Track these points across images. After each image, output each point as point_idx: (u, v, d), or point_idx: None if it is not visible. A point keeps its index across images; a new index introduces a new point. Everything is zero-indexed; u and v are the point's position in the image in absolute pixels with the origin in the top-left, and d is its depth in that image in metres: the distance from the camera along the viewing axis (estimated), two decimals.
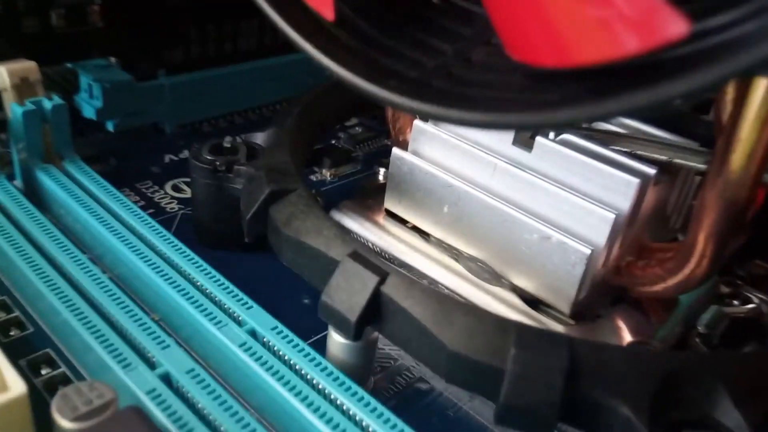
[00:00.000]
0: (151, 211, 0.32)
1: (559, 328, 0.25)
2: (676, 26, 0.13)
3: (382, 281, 0.20)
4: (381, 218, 0.31)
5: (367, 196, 0.32)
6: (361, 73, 0.20)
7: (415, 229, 0.30)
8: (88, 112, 0.35)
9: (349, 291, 0.21)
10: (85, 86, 0.35)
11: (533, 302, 0.26)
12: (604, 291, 0.27)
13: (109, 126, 0.36)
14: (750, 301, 0.29)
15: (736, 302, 0.29)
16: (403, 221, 0.30)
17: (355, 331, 0.21)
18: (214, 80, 0.40)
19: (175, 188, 0.34)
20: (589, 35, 0.15)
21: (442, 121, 0.27)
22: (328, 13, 0.21)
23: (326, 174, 0.37)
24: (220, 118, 0.42)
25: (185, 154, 0.37)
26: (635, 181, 0.24)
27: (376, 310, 0.21)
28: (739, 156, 0.21)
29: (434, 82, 0.20)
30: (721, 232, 0.23)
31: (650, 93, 0.14)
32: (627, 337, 0.26)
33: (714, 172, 0.22)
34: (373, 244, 0.30)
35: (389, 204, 0.30)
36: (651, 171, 0.25)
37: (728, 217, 0.22)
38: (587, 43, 0.15)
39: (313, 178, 0.37)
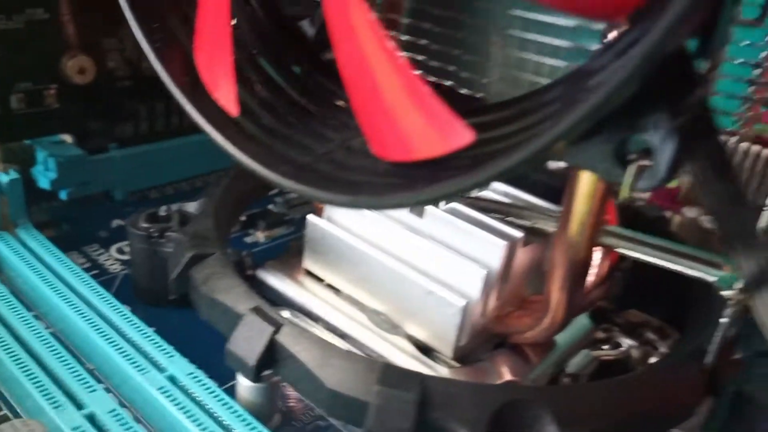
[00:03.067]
0: (95, 272, 0.36)
1: (444, 370, 0.29)
2: (465, 136, 0.18)
3: (276, 331, 0.24)
4: (301, 276, 0.35)
5: (291, 256, 0.36)
6: (260, 159, 0.24)
7: (330, 286, 0.34)
8: (44, 183, 0.39)
9: (249, 340, 0.25)
10: (41, 160, 0.39)
11: (425, 348, 0.30)
12: (487, 337, 0.31)
13: (62, 195, 0.40)
14: (620, 346, 0.33)
15: (606, 347, 0.33)
16: (319, 279, 0.34)
17: (255, 375, 0.24)
18: (161, 152, 0.44)
19: (120, 251, 0.38)
20: (419, 139, 0.20)
21: (315, 201, 0.32)
22: (232, 109, 0.25)
23: (260, 236, 0.41)
24: (167, 185, 0.46)
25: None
26: (503, 243, 0.29)
27: (272, 356, 0.24)
28: (575, 224, 0.26)
29: (320, 167, 0.24)
30: (568, 285, 0.27)
31: (452, 185, 0.18)
32: (506, 377, 0.30)
33: (558, 236, 0.27)
34: (291, 300, 0.33)
35: (307, 264, 0.34)
36: (518, 235, 0.30)
37: (572, 273, 0.27)
38: (418, 146, 0.20)
39: (247, 240, 0.41)
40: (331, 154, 0.25)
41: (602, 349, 0.33)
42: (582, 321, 0.33)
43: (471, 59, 0.32)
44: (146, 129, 0.43)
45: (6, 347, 0.27)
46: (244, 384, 0.26)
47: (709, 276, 0.25)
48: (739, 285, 0.23)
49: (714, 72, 0.19)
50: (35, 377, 0.26)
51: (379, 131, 0.22)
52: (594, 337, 0.34)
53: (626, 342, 0.34)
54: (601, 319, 0.35)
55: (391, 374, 0.22)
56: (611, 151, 0.20)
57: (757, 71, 0.25)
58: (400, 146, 0.21)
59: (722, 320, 0.24)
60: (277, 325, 0.24)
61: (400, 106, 0.19)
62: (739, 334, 0.27)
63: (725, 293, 0.24)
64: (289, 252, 0.38)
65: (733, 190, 0.19)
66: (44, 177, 0.39)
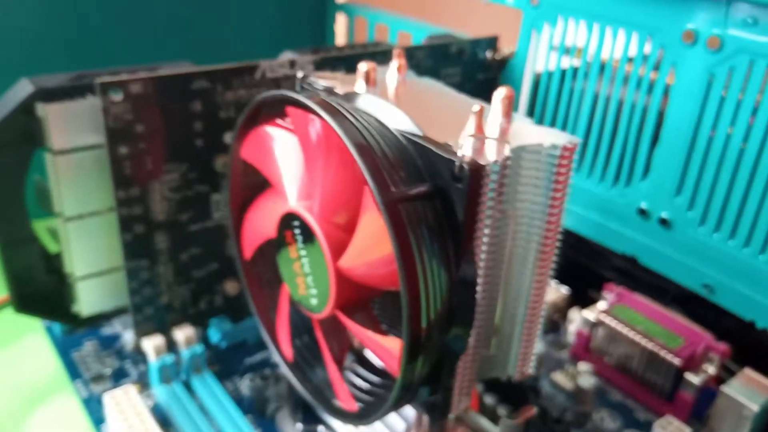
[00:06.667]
0: (235, 394, 0.72)
1: None
2: (354, 405, 0.51)
3: None
4: None
5: None
6: (298, 377, 0.59)
7: None
8: (214, 340, 0.77)
9: None
10: (213, 328, 0.77)
11: None
12: None
13: (222, 345, 0.77)
14: None
15: None
16: None
17: None
18: None
19: (250, 380, 0.74)
20: (344, 402, 0.53)
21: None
22: (289, 357, 0.60)
23: None
24: None
25: (256, 358, 0.78)
26: (413, 411, 0.61)
27: None
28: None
29: (323, 389, 0.58)
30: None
31: (360, 422, 0.51)
32: None
33: None
34: (326, 422, 0.68)
35: None
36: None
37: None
38: (347, 403, 0.53)
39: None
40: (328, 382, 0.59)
41: None
42: None
43: None
44: None
45: None
46: None
47: None
48: None
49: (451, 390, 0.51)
50: None
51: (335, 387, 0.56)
52: None
53: None
54: None
55: None
56: (419, 405, 0.53)
57: None
58: (346, 402, 0.55)
59: None
60: None
61: (336, 383, 0.53)
62: None
63: None
64: None
65: None
66: (214, 336, 0.77)
